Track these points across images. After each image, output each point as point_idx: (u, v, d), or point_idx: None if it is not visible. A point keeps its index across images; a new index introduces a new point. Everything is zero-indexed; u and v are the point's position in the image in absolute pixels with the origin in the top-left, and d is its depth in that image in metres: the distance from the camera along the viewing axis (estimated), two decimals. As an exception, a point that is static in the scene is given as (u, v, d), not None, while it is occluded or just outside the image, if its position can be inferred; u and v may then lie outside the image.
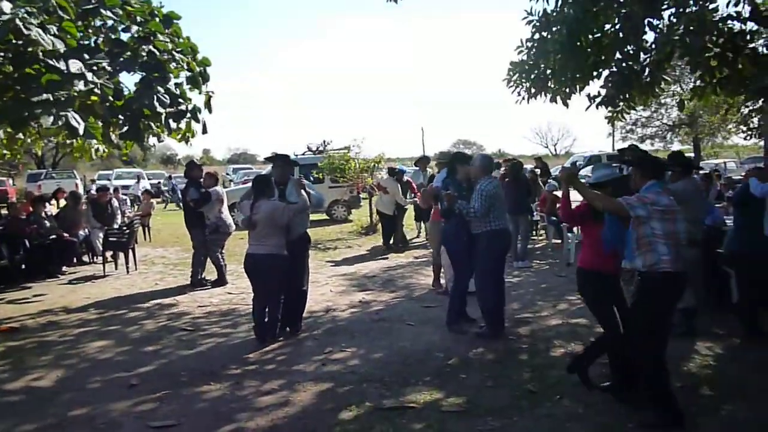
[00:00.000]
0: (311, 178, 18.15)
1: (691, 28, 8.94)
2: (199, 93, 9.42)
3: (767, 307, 6.70)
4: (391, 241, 13.59)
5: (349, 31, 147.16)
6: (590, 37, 9.85)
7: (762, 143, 17.94)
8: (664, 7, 9.87)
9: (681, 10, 9.10)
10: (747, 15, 12.16)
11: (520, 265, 10.95)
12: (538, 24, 10.26)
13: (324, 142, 20.76)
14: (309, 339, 6.99)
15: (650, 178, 4.69)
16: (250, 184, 7.51)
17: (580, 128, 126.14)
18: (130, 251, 11.94)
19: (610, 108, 11.01)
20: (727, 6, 10.82)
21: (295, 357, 6.35)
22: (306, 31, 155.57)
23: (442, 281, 9.09)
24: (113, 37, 8.66)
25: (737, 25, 11.83)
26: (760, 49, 11.90)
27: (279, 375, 5.85)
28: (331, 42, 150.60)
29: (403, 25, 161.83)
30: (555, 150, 74.03)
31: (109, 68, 8.21)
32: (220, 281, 10.09)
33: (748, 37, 11.83)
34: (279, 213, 6.81)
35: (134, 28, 8.64)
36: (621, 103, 10.97)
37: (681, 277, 4.58)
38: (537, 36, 10.30)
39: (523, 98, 11.44)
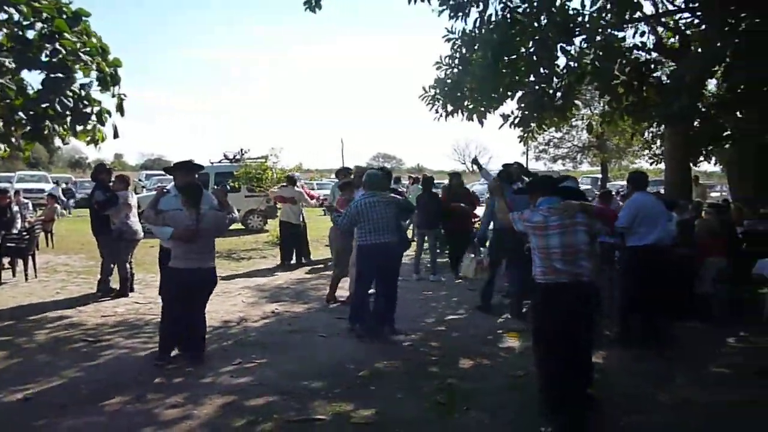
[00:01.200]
0: (227, 187, 17.87)
1: (600, 54, 9.35)
2: (112, 96, 9.08)
3: (641, 313, 7.12)
4: (293, 259, 13.08)
5: (265, 37, 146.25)
6: (506, 59, 10.13)
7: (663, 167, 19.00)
8: (576, 34, 10.32)
9: (591, 38, 9.50)
10: (651, 46, 12.90)
11: (432, 279, 11.07)
12: (458, 43, 10.51)
13: (241, 150, 20.44)
14: (218, 351, 6.80)
15: (539, 196, 4.95)
16: (154, 192, 7.01)
17: (497, 146, 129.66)
18: (30, 258, 11.32)
19: (523, 128, 11.39)
20: (634, 36, 11.43)
21: (202, 369, 6.16)
22: (225, 38, 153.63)
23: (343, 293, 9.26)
24: (18, 33, 8.24)
25: (643, 55, 12.54)
26: (664, 78, 12.61)
27: (185, 388, 5.65)
28: (249, 49, 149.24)
29: (324, 38, 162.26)
30: (472, 167, 75.89)
31: (11, 66, 7.82)
32: (122, 292, 9.61)
33: (653, 66, 12.55)
34: (223, 223, 6.52)
35: (39, 25, 8.25)
36: (533, 124, 11.36)
37: (553, 288, 4.72)
38: (458, 54, 10.54)
39: (441, 115, 11.70)
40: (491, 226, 8.66)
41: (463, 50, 10.34)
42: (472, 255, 10.44)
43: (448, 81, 10.76)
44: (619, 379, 5.93)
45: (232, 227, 7.81)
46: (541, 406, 4.87)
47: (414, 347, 6.93)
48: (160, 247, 7.23)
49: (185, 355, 6.38)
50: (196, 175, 7.04)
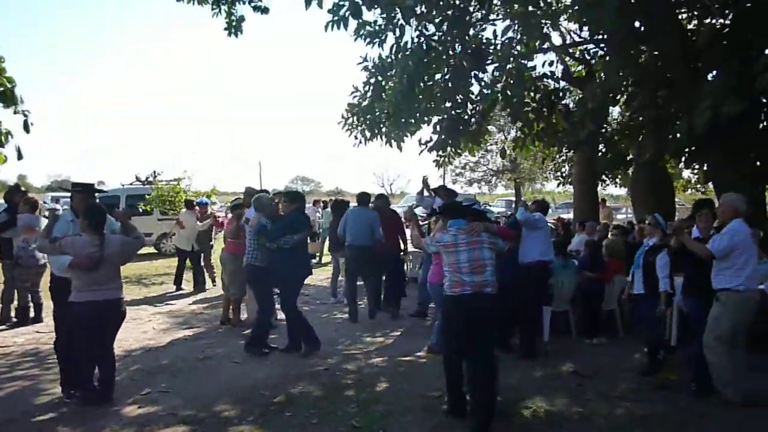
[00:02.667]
0: (139, 210, 17.33)
1: (512, 82, 9.67)
2: (14, 113, 8.65)
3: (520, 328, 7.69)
4: (181, 283, 12.62)
5: (182, 57, 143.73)
6: (422, 85, 10.33)
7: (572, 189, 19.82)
8: (489, 62, 10.66)
9: (503, 65, 9.82)
10: (560, 75, 13.48)
11: (332, 301, 11.07)
12: (373, 70, 10.64)
13: (154, 172, 19.92)
14: (125, 380, 6.54)
15: (449, 218, 5.62)
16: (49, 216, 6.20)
17: (414, 169, 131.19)
18: None
19: (439, 152, 11.62)
20: (543, 65, 11.95)
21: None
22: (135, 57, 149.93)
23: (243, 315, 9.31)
24: None
25: (552, 84, 13.08)
26: (572, 105, 13.18)
27: (90, 419, 5.40)
28: (162, 70, 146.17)
29: (248, 57, 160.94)
30: (391, 189, 76.43)
31: None
32: (20, 321, 9.12)
33: (561, 94, 13.10)
34: (130, 248, 6.00)
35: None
36: (449, 148, 11.61)
37: (459, 299, 5.28)
38: (373, 80, 10.67)
39: (360, 141, 11.80)
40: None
41: (379, 77, 10.47)
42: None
43: (364, 107, 10.87)
44: (533, 394, 6.08)
45: (143, 251, 7.57)
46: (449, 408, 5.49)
47: (330, 371, 6.88)
48: (52, 278, 6.15)
49: (91, 391, 5.83)
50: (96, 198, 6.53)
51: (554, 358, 7.39)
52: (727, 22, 9.48)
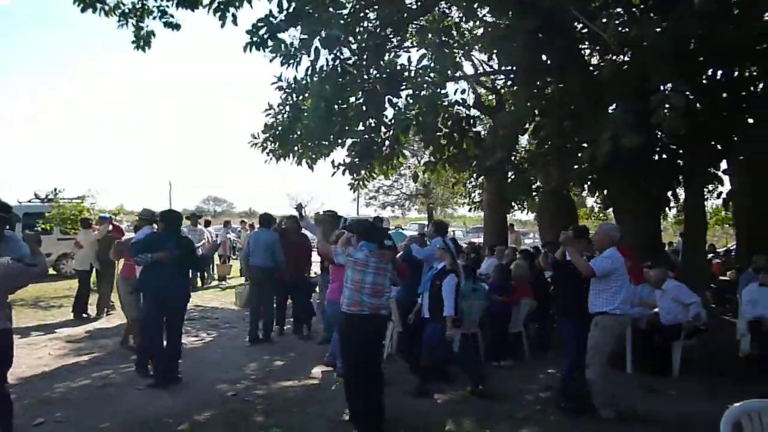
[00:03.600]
0: (37, 229, 16.43)
1: (425, 109, 9.87)
2: None
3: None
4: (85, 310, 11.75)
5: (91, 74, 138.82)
6: (336, 108, 10.40)
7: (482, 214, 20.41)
8: (403, 87, 10.85)
9: (417, 92, 10.02)
10: (471, 103, 13.88)
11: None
12: (288, 90, 10.62)
13: (55, 189, 18.95)
14: (20, 409, 6.10)
15: (362, 239, 5.76)
16: None
17: (331, 191, 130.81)
18: None
19: (353, 175, 11.68)
20: (455, 93, 12.29)
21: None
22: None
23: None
24: None
25: (464, 111, 13.45)
26: (482, 133, 13.59)
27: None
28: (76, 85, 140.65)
29: (154, 72, 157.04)
30: (303, 213, 76.08)
31: None
32: None
33: (472, 121, 13.49)
34: (17, 274, 5.00)
35: None
36: (363, 172, 11.69)
37: (357, 318, 5.52)
38: (289, 101, 10.65)
39: (272, 159, 11.72)
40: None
41: (294, 97, 10.47)
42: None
43: (279, 127, 10.82)
44: (442, 418, 6.13)
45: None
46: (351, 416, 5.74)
47: (238, 396, 6.72)
48: None
49: None
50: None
51: (463, 382, 7.49)
52: (627, 58, 10.06)
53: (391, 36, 11.19)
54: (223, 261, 19.52)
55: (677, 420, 6.24)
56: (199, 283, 16.42)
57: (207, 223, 21.56)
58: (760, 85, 11.87)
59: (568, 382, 6.42)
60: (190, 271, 8.40)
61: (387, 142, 11.47)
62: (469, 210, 23.83)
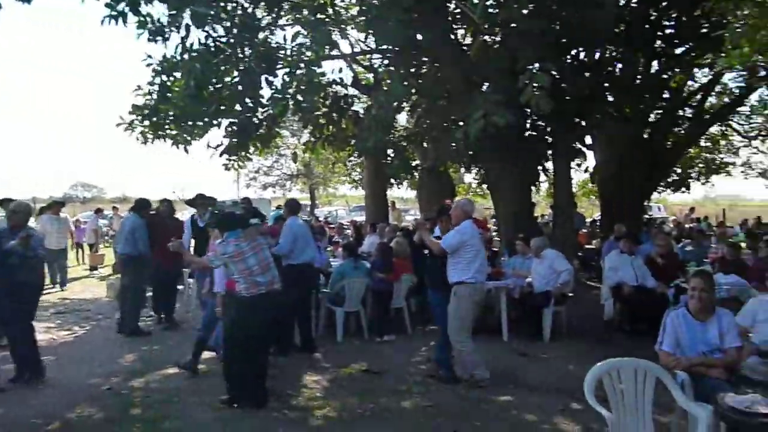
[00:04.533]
0: None
1: (302, 88, 9.77)
2: None
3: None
4: None
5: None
6: (211, 87, 10.09)
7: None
8: (279, 66, 10.67)
9: (293, 71, 9.89)
10: (349, 82, 13.89)
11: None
12: (159, 69, 10.17)
13: None
14: None
15: (225, 230, 5.83)
16: None
17: (210, 174, 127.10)
18: None
19: (230, 156, 11.41)
20: (333, 72, 12.24)
21: None
22: None
23: None
24: None
25: (342, 90, 13.45)
26: (361, 112, 13.65)
27: None
28: None
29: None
30: (183, 194, 73.66)
31: None
32: None
33: (351, 101, 13.52)
34: None
35: None
36: (241, 152, 11.44)
37: (257, 299, 5.69)
38: (158, 80, 10.20)
39: (144, 141, 11.21)
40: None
41: (164, 77, 10.02)
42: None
43: (150, 108, 10.33)
44: (327, 395, 6.18)
45: None
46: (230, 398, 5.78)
47: (113, 390, 6.41)
48: None
49: None
50: None
51: (347, 358, 7.57)
52: (498, 39, 10.41)
53: (265, 12, 10.95)
54: (94, 250, 18.53)
55: (547, 381, 6.65)
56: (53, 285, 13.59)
57: (98, 210, 20.33)
58: (619, 66, 12.72)
59: (444, 351, 6.72)
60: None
61: (264, 123, 11.26)
62: (350, 188, 23.99)
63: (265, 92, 10.72)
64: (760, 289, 7.20)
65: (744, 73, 13.10)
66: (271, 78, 10.45)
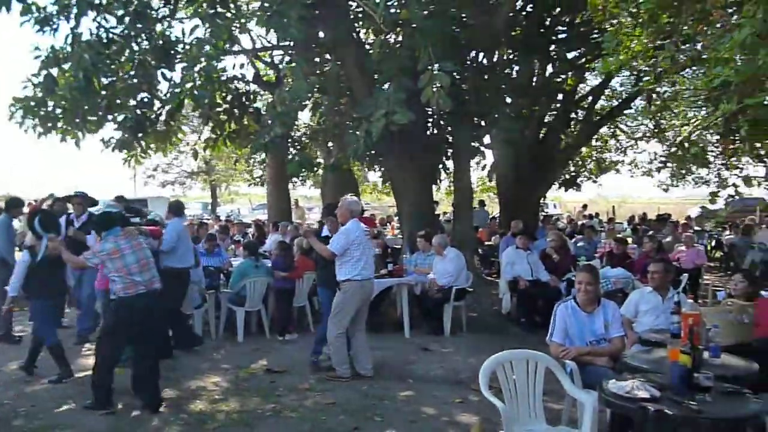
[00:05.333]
0: None
1: (199, 82, 9.52)
2: None
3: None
4: None
5: None
6: (104, 80, 9.66)
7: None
8: (177, 60, 10.34)
9: (191, 65, 9.61)
10: (251, 78, 13.67)
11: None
12: (45, 60, 9.62)
13: None
14: None
15: (103, 230, 5.78)
16: None
17: (107, 171, 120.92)
18: None
19: (123, 152, 10.95)
20: (234, 68, 12.01)
21: None
22: None
23: None
24: None
25: (243, 86, 13.22)
26: (262, 108, 13.45)
27: None
28: None
29: None
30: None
31: None
32: None
33: (252, 97, 13.32)
34: None
35: None
36: (136, 148, 11.01)
37: (135, 298, 5.59)
38: (45, 72, 9.65)
39: (38, 136, 10.55)
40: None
41: (50, 69, 9.47)
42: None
43: (35, 100, 9.73)
44: (227, 396, 6.07)
45: None
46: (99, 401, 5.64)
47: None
48: None
49: None
50: None
51: (248, 358, 7.47)
52: (399, 38, 10.51)
53: (161, 3, 10.58)
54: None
55: (447, 374, 6.85)
56: None
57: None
58: (516, 69, 13.16)
59: (320, 345, 7.05)
60: None
61: (161, 118, 10.89)
62: (249, 185, 23.64)
63: (163, 86, 10.38)
64: (643, 281, 7.66)
65: (631, 76, 13.82)
66: (168, 72, 10.12)
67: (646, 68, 6.82)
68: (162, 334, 6.94)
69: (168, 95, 10.27)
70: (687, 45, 6.58)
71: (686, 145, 9.80)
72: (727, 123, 6.14)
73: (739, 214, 18.59)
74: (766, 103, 4.89)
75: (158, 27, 10.30)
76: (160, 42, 10.14)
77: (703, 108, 8.95)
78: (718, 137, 11.74)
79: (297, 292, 8.84)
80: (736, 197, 8.83)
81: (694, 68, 8.27)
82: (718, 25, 5.32)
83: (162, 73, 10.13)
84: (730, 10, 5.54)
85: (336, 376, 6.60)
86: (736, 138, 8.27)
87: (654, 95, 11.94)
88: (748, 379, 3.98)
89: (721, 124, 6.06)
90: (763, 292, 5.95)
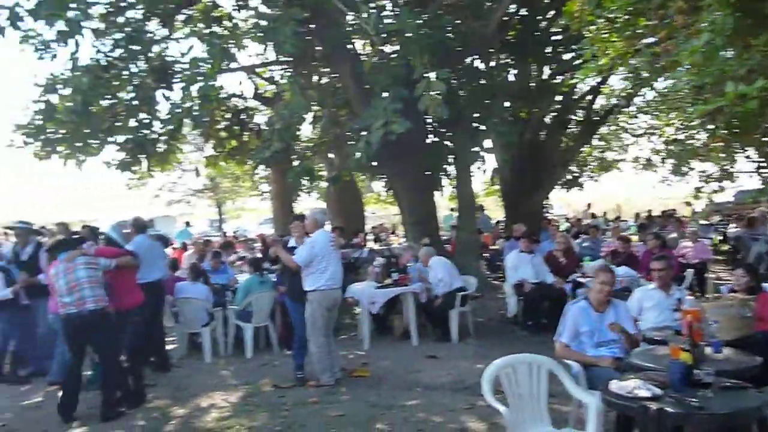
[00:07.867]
0: None
1: (198, 102, 9.59)
2: None
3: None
4: None
5: None
6: (103, 104, 9.76)
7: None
8: (176, 81, 10.43)
9: (189, 84, 9.69)
10: (250, 95, 13.76)
11: None
12: (45, 87, 9.73)
13: None
14: None
15: (59, 252, 6.15)
16: None
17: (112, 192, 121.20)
18: None
19: (124, 172, 11.01)
20: (232, 85, 12.10)
21: None
22: None
23: None
24: None
25: (242, 103, 13.31)
26: (262, 124, 13.55)
27: None
28: None
29: None
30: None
31: None
32: None
33: (252, 113, 13.41)
34: None
35: None
36: (136, 168, 11.07)
37: (65, 319, 5.96)
38: (45, 97, 9.75)
39: (40, 159, 10.64)
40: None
41: (48, 95, 9.56)
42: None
43: (35, 127, 9.82)
44: (235, 413, 6.07)
45: None
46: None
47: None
48: None
49: None
50: None
51: (257, 374, 7.48)
52: (395, 48, 10.57)
53: (159, 27, 10.67)
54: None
55: (454, 381, 6.85)
56: None
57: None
58: (513, 72, 13.20)
59: (301, 357, 7.08)
60: None
61: (161, 138, 10.96)
62: (259, 199, 23.73)
63: (163, 107, 10.45)
64: (647, 279, 7.64)
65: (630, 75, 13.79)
66: (167, 93, 10.20)
67: (629, 73, 6.85)
68: (125, 346, 6.66)
69: (168, 115, 10.35)
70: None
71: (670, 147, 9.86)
72: (704, 123, 6.15)
73: (743, 206, 18.47)
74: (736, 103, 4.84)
75: (155, 48, 10.39)
76: (158, 63, 10.22)
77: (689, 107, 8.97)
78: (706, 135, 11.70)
79: (304, 306, 8.83)
80: (737, 192, 8.82)
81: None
82: (682, 29, 5.33)
83: (162, 94, 10.20)
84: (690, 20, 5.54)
85: (319, 384, 6.76)
86: (718, 135, 8.28)
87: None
88: (752, 372, 3.98)
89: (698, 124, 6.08)
90: (765, 285, 5.95)
